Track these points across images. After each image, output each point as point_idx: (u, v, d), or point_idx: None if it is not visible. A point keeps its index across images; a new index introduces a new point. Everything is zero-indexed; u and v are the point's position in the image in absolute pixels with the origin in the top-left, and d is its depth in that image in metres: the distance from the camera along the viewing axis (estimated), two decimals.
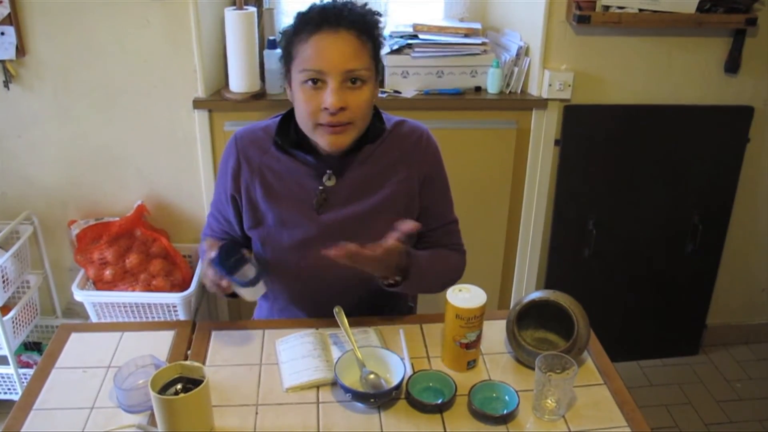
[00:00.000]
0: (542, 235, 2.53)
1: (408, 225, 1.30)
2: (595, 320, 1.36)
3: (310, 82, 1.29)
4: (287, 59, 1.35)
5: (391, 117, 1.49)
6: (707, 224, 2.54)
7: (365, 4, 1.36)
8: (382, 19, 1.38)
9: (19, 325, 2.25)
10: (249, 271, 1.26)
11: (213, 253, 1.29)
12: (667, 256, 2.59)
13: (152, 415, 1.16)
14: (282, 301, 1.56)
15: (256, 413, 1.22)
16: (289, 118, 1.44)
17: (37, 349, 2.40)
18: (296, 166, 1.43)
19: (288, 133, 1.43)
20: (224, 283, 1.29)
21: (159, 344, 1.40)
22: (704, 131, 2.42)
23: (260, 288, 1.30)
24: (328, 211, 1.43)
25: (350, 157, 1.42)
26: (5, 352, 2.18)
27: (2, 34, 2.09)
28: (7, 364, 2.22)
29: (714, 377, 2.69)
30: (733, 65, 2.33)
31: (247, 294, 1.29)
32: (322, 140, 1.34)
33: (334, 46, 1.28)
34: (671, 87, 2.36)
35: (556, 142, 2.38)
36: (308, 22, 1.30)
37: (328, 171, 1.42)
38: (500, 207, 2.46)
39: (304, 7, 1.34)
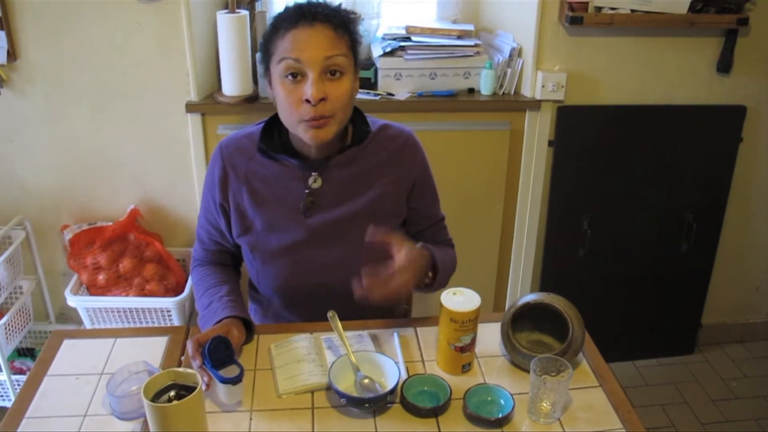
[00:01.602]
0: (537, 235, 2.53)
1: (374, 233, 1.30)
2: (590, 320, 1.36)
3: (290, 77, 1.30)
4: (266, 57, 1.35)
5: (376, 120, 1.49)
6: (701, 223, 2.54)
7: (340, 5, 1.37)
8: (357, 18, 1.39)
9: (12, 330, 2.24)
10: (233, 371, 1.23)
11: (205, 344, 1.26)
12: (662, 256, 2.60)
13: (146, 422, 1.15)
14: (275, 307, 1.56)
15: (251, 419, 1.21)
16: (272, 124, 1.44)
17: (30, 355, 2.39)
18: (282, 170, 1.43)
19: (272, 137, 1.43)
20: (206, 377, 1.23)
21: (152, 350, 1.39)
22: (697, 131, 2.43)
23: (239, 392, 1.24)
24: (316, 214, 1.43)
25: (336, 160, 1.42)
26: None
27: None
28: (0, 370, 2.21)
29: (710, 376, 2.70)
30: (725, 65, 2.33)
31: (227, 394, 1.22)
32: (305, 135, 1.33)
33: (311, 37, 1.28)
34: (664, 87, 2.36)
35: (550, 143, 2.38)
36: (284, 20, 1.31)
37: (313, 173, 1.42)
38: (494, 208, 2.46)
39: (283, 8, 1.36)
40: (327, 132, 1.33)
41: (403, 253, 1.28)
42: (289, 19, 1.30)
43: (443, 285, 1.48)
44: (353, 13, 1.37)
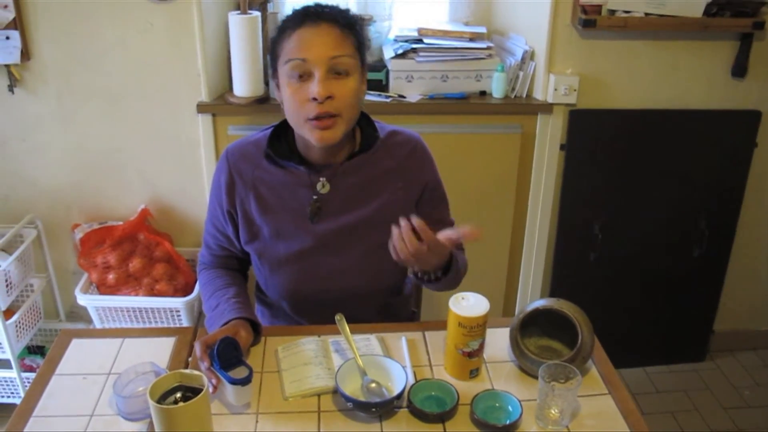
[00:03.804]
0: (547, 239, 2.51)
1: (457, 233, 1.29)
2: (600, 325, 1.35)
3: (296, 76, 1.30)
4: (273, 59, 1.36)
5: (384, 126, 1.48)
6: (714, 229, 2.52)
7: (348, 9, 1.37)
8: (364, 20, 1.39)
9: (23, 328, 2.25)
10: (242, 372, 1.23)
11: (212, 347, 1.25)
12: (674, 261, 2.57)
13: (152, 422, 1.15)
14: (284, 312, 1.56)
15: (257, 421, 1.21)
16: (279, 130, 1.44)
17: (40, 353, 2.40)
18: (289, 177, 1.42)
19: (279, 144, 1.43)
20: (214, 380, 1.23)
21: (160, 351, 1.39)
22: (711, 136, 2.40)
23: (248, 393, 1.24)
24: (323, 220, 1.43)
25: (344, 166, 1.41)
26: (8, 355, 2.18)
27: (7, 38, 2.09)
28: (10, 367, 2.22)
29: (721, 383, 2.67)
30: (740, 69, 2.31)
31: (235, 395, 1.22)
32: (311, 136, 1.33)
33: (317, 36, 1.29)
34: (678, 91, 2.34)
35: (562, 147, 2.37)
36: (290, 21, 1.32)
37: (321, 179, 1.41)
38: (505, 212, 2.44)
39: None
40: (334, 133, 1.32)
41: (443, 237, 1.27)
42: (295, 19, 1.31)
43: (452, 286, 1.48)
44: (360, 17, 1.38)
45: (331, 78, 1.29)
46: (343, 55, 1.30)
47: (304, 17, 1.31)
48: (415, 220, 1.25)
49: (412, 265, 1.34)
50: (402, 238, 1.25)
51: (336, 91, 1.30)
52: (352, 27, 1.33)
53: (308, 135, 1.34)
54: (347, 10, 1.35)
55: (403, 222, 1.25)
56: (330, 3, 1.36)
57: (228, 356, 1.23)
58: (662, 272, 2.59)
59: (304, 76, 1.30)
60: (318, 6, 1.33)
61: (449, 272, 1.41)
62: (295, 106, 1.32)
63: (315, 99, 1.28)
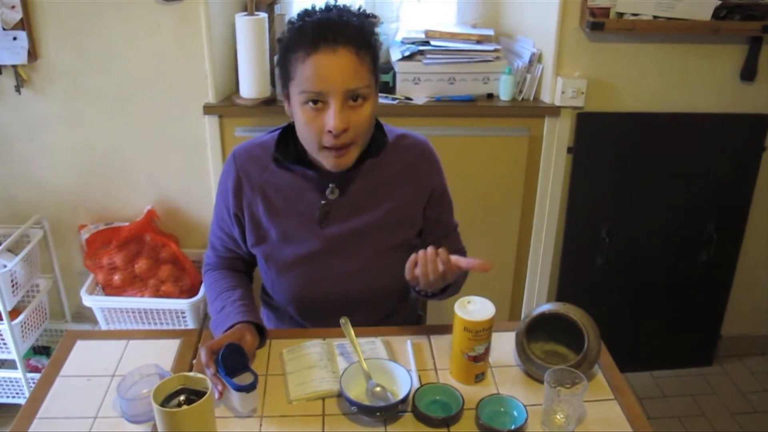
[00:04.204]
0: (554, 243, 2.50)
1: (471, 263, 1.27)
2: (607, 329, 1.34)
3: (310, 103, 1.27)
4: (284, 76, 1.32)
5: (393, 129, 1.47)
6: (722, 233, 2.50)
7: (359, 8, 1.33)
8: (376, 21, 1.36)
9: (28, 329, 2.25)
10: (247, 378, 1.23)
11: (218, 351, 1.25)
12: (682, 266, 2.56)
13: (156, 425, 1.15)
14: (290, 317, 1.55)
15: (261, 424, 1.20)
16: (287, 133, 1.43)
17: (45, 353, 2.40)
18: (297, 181, 1.41)
19: (287, 148, 1.41)
20: (219, 386, 1.22)
21: (164, 353, 1.39)
22: (720, 139, 2.39)
23: (253, 399, 1.23)
24: (331, 224, 1.42)
25: (353, 171, 1.40)
26: (14, 356, 2.19)
27: (14, 38, 2.10)
28: (16, 368, 2.23)
29: (728, 389, 2.65)
30: (749, 73, 2.29)
31: (241, 402, 1.22)
32: (327, 162, 1.32)
33: (334, 66, 1.24)
34: (686, 95, 2.33)
35: (569, 150, 2.36)
36: (304, 39, 1.25)
37: (330, 184, 1.41)
38: (512, 215, 2.43)
39: (298, 16, 1.30)
40: (348, 158, 1.32)
41: (461, 264, 1.27)
42: (309, 39, 1.24)
43: (451, 296, 1.47)
44: (373, 16, 1.34)
45: (346, 108, 1.26)
46: (359, 87, 1.26)
47: (319, 39, 1.23)
48: (442, 252, 1.27)
49: (419, 284, 1.33)
50: (427, 263, 1.27)
51: (352, 120, 1.27)
52: (369, 45, 1.28)
53: (323, 160, 1.33)
54: (362, 23, 1.29)
55: (431, 249, 1.27)
56: (343, 2, 1.32)
57: (233, 362, 1.23)
58: (670, 276, 2.57)
59: (319, 104, 1.26)
60: (335, 25, 1.25)
61: (446, 290, 1.41)
62: (310, 133, 1.29)
63: (330, 131, 1.26)
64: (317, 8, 1.31)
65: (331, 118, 1.25)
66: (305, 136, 1.32)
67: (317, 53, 1.24)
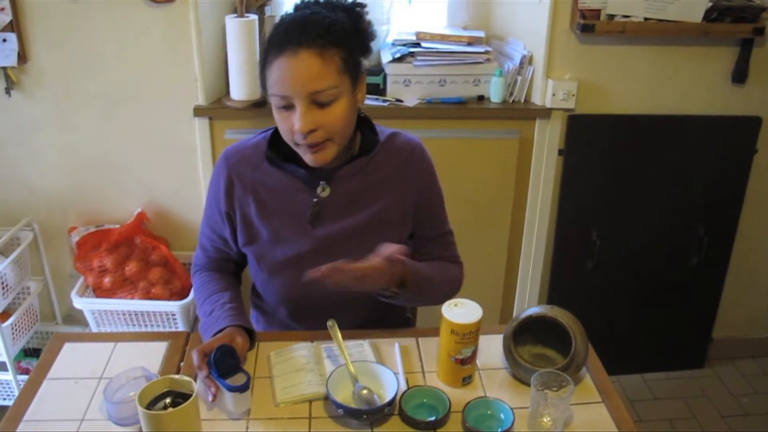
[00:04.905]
0: (545, 246, 2.50)
1: (391, 249, 1.28)
2: (598, 332, 1.34)
3: (281, 105, 1.29)
4: (263, 79, 1.33)
5: (384, 129, 1.47)
6: (713, 236, 2.50)
7: (339, 4, 1.32)
8: (363, 11, 1.34)
9: (19, 331, 2.25)
10: (240, 379, 1.23)
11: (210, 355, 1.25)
12: (673, 269, 2.56)
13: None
14: (281, 317, 1.55)
15: (247, 427, 1.20)
16: (277, 135, 1.42)
17: (36, 356, 2.40)
18: (289, 180, 1.42)
19: (278, 147, 1.42)
20: (213, 388, 1.22)
21: (152, 355, 1.38)
22: (711, 142, 2.39)
23: (247, 400, 1.23)
24: (322, 224, 1.42)
25: (343, 170, 1.40)
26: (4, 358, 2.18)
27: (4, 41, 2.09)
28: (6, 370, 2.22)
29: (719, 391, 2.66)
30: (740, 75, 2.30)
31: (235, 403, 1.21)
32: (305, 157, 1.34)
33: (294, 70, 1.24)
34: (677, 97, 2.33)
35: (560, 152, 2.36)
36: (272, 42, 1.27)
37: (321, 182, 1.41)
38: (502, 218, 2.43)
39: (281, 16, 1.32)
40: (326, 154, 1.32)
41: (376, 262, 1.27)
42: (278, 43, 1.26)
43: (425, 302, 1.48)
44: (360, 6, 1.33)
45: (313, 109, 1.27)
46: (323, 90, 1.25)
47: (284, 42, 1.24)
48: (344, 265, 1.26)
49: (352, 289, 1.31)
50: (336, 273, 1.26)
51: (321, 121, 1.27)
52: (337, 43, 1.26)
53: (302, 155, 1.34)
54: (335, 21, 1.27)
55: (339, 263, 1.26)
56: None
57: (225, 364, 1.23)
58: (661, 279, 2.58)
59: (288, 107, 1.28)
60: (299, 26, 1.25)
61: (405, 288, 1.37)
62: (285, 131, 1.32)
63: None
64: (302, 4, 1.32)
65: (296, 121, 1.27)
66: (282, 133, 1.34)
67: (281, 57, 1.25)
